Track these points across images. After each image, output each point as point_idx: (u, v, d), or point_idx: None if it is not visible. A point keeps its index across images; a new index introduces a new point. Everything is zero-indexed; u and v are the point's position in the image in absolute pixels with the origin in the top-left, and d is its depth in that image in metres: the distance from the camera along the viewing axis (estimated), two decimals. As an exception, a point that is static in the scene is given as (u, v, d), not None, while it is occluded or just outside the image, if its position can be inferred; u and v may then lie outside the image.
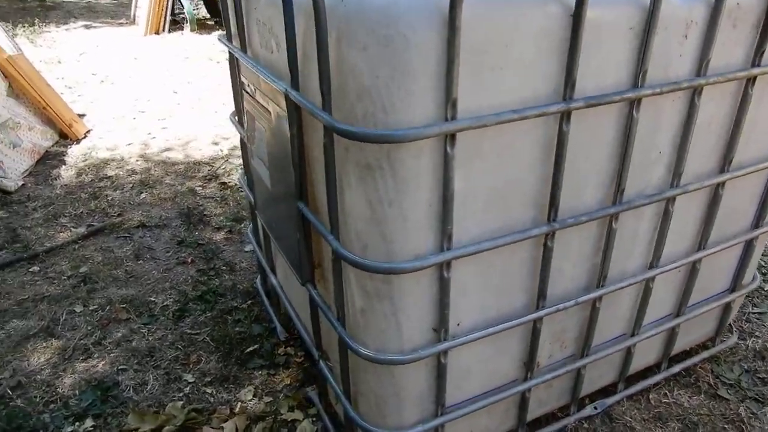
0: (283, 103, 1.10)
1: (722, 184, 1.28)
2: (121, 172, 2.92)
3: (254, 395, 1.56)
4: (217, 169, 2.95)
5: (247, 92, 1.39)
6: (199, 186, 2.77)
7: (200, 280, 2.05)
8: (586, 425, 1.48)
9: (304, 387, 1.57)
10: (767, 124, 1.29)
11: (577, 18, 0.89)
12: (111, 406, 1.53)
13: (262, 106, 1.27)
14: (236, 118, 1.64)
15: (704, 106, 1.13)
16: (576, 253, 1.18)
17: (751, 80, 1.16)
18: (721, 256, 1.43)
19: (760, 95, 1.22)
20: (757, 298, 1.99)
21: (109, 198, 2.65)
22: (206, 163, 3.03)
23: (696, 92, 1.10)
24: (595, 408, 1.49)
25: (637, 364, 1.53)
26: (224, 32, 1.51)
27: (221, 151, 3.20)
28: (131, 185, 2.78)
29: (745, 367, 1.68)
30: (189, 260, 2.18)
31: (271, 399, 1.54)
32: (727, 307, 1.61)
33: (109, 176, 2.88)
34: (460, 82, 0.85)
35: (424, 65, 0.83)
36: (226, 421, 1.47)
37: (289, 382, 1.60)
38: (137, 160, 3.08)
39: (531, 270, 1.14)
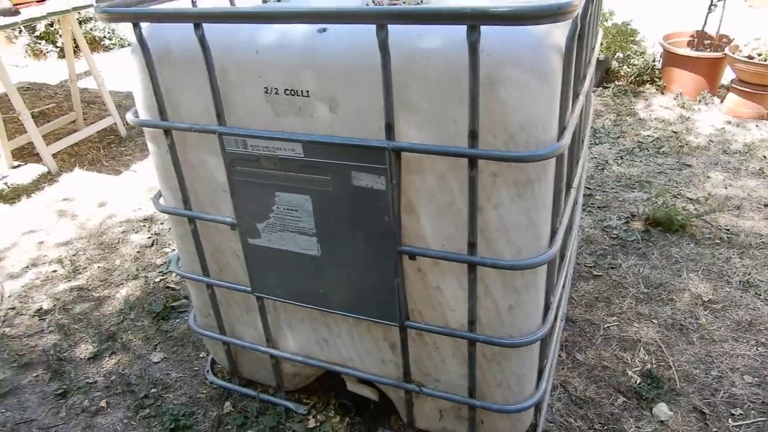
0: (368, 161, 1.14)
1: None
2: None
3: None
4: (2, 301, 2.26)
5: (246, 168, 1.28)
6: (7, 327, 2.11)
7: (149, 416, 1.68)
8: (566, 335, 1.93)
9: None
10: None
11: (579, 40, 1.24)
12: None
13: (304, 174, 1.22)
14: (181, 202, 1.45)
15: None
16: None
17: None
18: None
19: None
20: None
21: None
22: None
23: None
24: (563, 320, 1.95)
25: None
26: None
27: (-22, 280, 2.43)
28: None
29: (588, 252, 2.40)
30: (102, 405, 1.73)
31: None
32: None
33: None
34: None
35: (559, 87, 1.06)
36: None
37: None
38: None
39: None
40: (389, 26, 1.00)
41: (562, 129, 1.12)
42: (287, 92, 1.19)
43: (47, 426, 1.69)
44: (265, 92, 1.21)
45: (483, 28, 0.96)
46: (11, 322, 2.14)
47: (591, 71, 1.48)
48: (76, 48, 3.74)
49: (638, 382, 1.73)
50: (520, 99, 1.02)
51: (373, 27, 1.04)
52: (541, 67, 1.01)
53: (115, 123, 3.76)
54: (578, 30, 1.01)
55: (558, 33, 1.05)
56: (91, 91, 4.54)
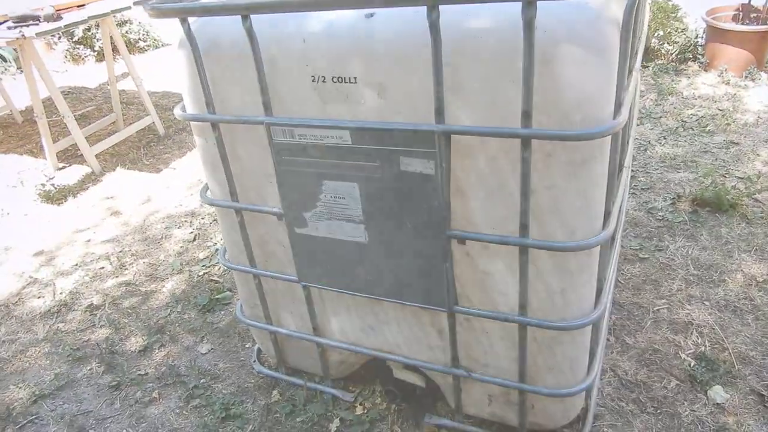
0: (417, 146, 1.13)
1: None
2: None
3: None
4: (55, 297, 2.34)
5: (294, 158, 1.28)
6: (60, 323, 2.18)
7: (199, 405, 1.72)
8: (614, 318, 1.90)
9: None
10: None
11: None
12: None
13: (351, 161, 1.22)
14: (229, 194, 1.46)
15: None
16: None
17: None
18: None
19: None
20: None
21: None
22: (24, 297, 2.36)
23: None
24: (611, 304, 1.91)
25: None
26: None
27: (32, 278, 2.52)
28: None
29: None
30: (155, 395, 1.78)
31: None
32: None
33: None
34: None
35: (616, 62, 1.03)
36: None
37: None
38: None
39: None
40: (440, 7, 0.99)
41: (618, 106, 1.08)
42: (335, 80, 1.19)
43: (103, 417, 1.74)
44: (312, 81, 1.21)
45: (538, 3, 0.94)
46: (64, 318, 2.21)
47: (641, 47, 1.44)
48: (114, 50, 3.82)
49: (692, 364, 1.69)
50: (576, 76, 0.99)
51: (421, 9, 1.03)
52: (599, 43, 0.98)
53: (153, 122, 3.84)
54: (637, 2, 0.98)
55: (614, 6, 1.02)
56: (128, 92, 4.64)
